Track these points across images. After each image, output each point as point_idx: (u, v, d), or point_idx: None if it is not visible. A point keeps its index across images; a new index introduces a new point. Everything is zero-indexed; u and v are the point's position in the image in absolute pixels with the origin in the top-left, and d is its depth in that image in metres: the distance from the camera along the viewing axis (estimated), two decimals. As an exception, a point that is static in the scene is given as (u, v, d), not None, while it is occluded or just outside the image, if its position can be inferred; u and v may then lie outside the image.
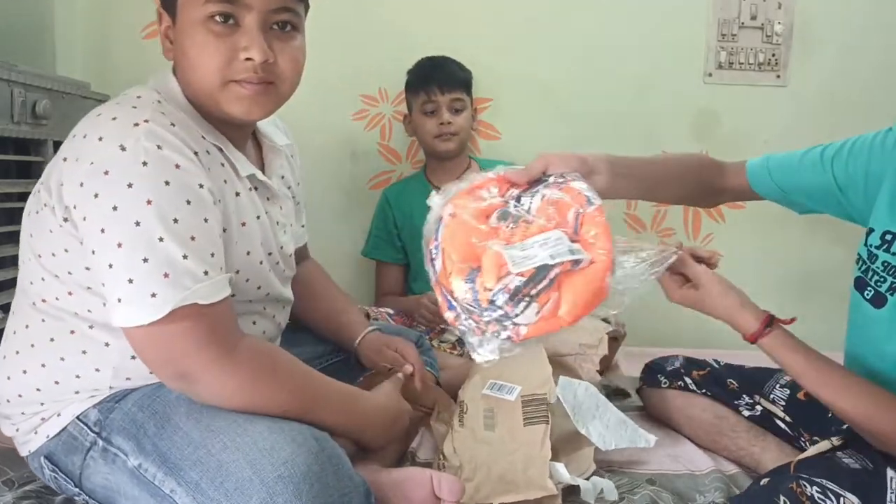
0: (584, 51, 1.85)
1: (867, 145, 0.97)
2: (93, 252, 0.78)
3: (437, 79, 1.65)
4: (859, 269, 0.95)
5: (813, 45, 1.86)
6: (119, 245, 0.76)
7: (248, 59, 0.83)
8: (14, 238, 1.31)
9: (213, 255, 0.80)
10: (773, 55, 1.86)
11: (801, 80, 1.86)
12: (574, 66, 1.86)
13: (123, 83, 0.92)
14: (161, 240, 0.76)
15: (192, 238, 0.78)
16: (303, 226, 1.16)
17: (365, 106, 1.86)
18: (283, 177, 1.04)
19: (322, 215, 1.86)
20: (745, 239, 1.90)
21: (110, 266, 0.77)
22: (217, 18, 0.83)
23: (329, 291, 1.18)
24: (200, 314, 0.78)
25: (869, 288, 0.92)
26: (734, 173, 1.09)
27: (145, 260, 0.76)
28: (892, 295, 0.89)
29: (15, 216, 1.31)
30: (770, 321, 0.92)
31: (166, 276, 0.76)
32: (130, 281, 0.76)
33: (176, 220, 0.77)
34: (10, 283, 1.29)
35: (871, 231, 0.94)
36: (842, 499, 0.76)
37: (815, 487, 0.77)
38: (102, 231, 0.77)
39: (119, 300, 0.77)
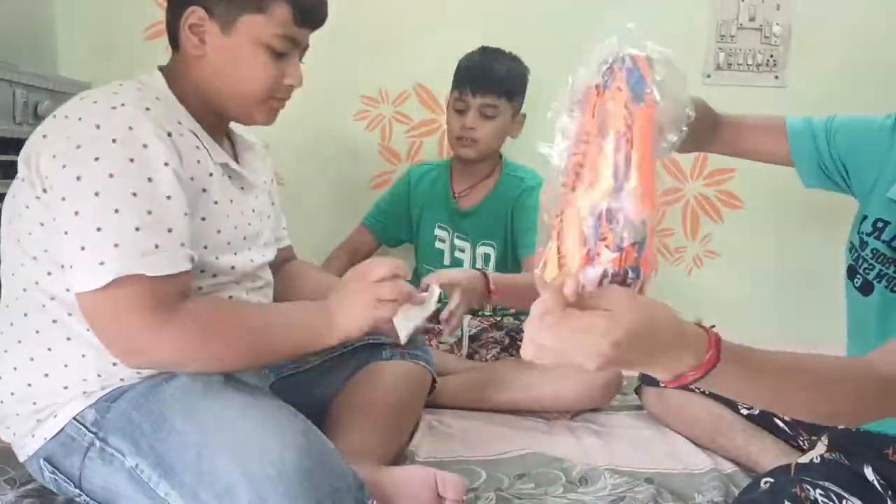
0: (583, 50, 1.85)
1: (875, 128, 0.95)
2: (53, 219, 0.82)
3: (472, 78, 1.55)
4: (851, 257, 0.94)
5: (811, 46, 1.86)
6: (76, 213, 0.80)
7: (289, 84, 0.95)
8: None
9: (170, 230, 0.82)
10: (772, 56, 1.86)
11: (799, 81, 1.87)
12: (574, 65, 1.85)
13: (125, 84, 0.93)
14: (116, 211, 0.79)
15: (149, 212, 0.81)
16: (283, 228, 1.16)
17: (365, 107, 1.86)
18: (256, 171, 1.05)
19: (321, 215, 1.87)
20: (744, 238, 1.90)
21: (66, 233, 0.80)
22: (277, 48, 0.91)
23: (317, 276, 1.15)
24: (145, 285, 0.80)
25: (858, 276, 0.91)
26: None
27: (98, 229, 0.79)
28: (878, 283, 0.88)
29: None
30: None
31: (116, 245, 0.79)
32: (83, 248, 0.79)
33: (135, 194, 0.80)
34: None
35: (864, 218, 0.93)
36: (845, 501, 0.75)
37: (818, 490, 0.76)
38: (63, 199, 0.81)
39: (71, 266, 0.80)
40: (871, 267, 0.90)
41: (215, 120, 0.96)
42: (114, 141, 0.80)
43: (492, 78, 1.55)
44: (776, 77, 1.87)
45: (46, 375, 0.87)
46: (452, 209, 1.67)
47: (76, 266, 0.80)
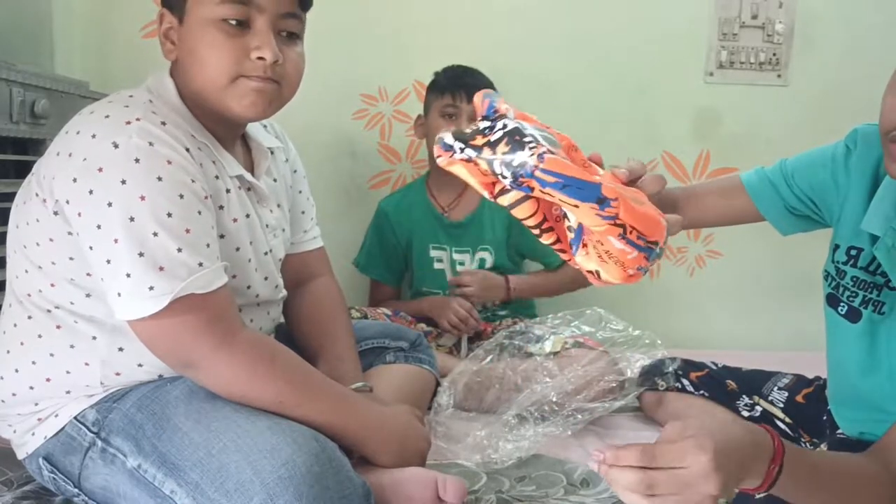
0: (584, 49, 1.85)
1: (828, 158, 0.95)
2: (90, 248, 0.80)
3: (467, 86, 1.57)
4: (829, 285, 0.95)
5: (814, 44, 1.85)
6: (116, 241, 0.78)
7: (259, 58, 0.85)
8: (13, 238, 1.31)
9: (208, 245, 0.82)
10: (774, 54, 1.85)
11: (802, 79, 1.86)
12: (575, 65, 1.85)
13: (122, 83, 0.92)
14: (155, 234, 0.78)
15: (187, 231, 0.80)
16: (305, 231, 1.15)
17: (364, 105, 1.85)
18: (275, 180, 1.04)
19: (321, 215, 1.85)
20: (746, 239, 1.90)
21: (108, 261, 0.79)
22: (230, 22, 0.85)
23: (334, 328, 1.09)
24: (199, 304, 0.80)
25: (842, 304, 0.92)
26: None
27: (141, 254, 0.77)
28: (865, 309, 0.89)
29: (14, 216, 1.31)
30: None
31: (161, 269, 0.78)
32: (128, 275, 0.78)
33: (170, 214, 0.79)
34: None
35: (836, 247, 0.94)
36: None
37: None
38: (99, 227, 0.78)
39: (119, 294, 0.79)
40: (854, 294, 0.91)
41: (224, 126, 0.93)
42: (137, 160, 0.78)
43: (482, 87, 1.59)
44: (778, 76, 1.86)
45: (48, 380, 0.87)
46: (445, 225, 1.67)
47: (124, 294, 0.78)
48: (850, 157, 0.92)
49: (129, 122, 0.80)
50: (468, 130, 0.58)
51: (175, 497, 0.78)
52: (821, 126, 1.76)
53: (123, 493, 0.83)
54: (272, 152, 1.04)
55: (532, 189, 0.55)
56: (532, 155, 0.54)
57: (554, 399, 1.24)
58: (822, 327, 0.99)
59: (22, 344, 0.88)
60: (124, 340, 0.85)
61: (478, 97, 0.62)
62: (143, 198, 0.78)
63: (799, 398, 1.09)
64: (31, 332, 0.88)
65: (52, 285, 0.86)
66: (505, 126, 0.56)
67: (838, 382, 0.98)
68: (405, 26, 1.82)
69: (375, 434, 0.90)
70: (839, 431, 0.97)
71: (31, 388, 0.88)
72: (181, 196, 0.80)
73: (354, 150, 1.87)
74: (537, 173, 0.54)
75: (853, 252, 0.91)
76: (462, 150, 0.58)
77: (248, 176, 0.94)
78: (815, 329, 1.02)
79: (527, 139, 0.55)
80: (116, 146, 0.79)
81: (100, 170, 0.78)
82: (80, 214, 0.80)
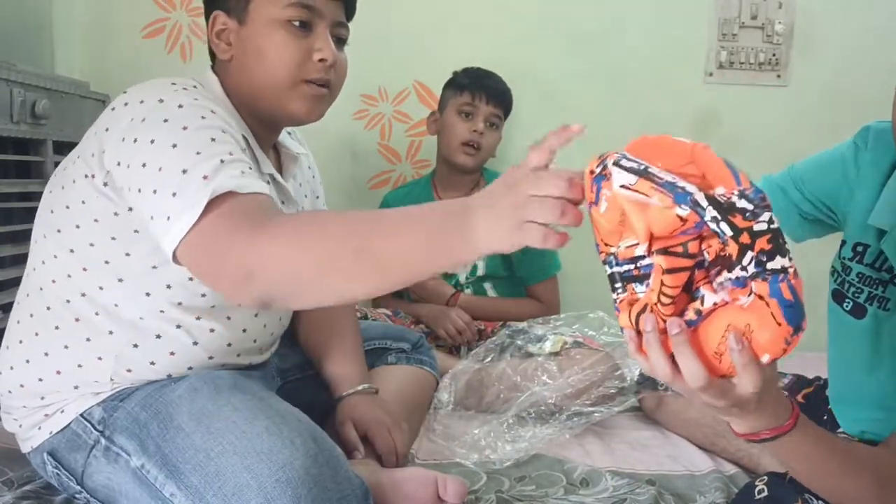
0: (584, 50, 1.85)
1: (838, 159, 0.95)
2: (139, 190, 0.78)
3: (487, 87, 1.60)
4: (835, 281, 0.95)
5: (814, 44, 1.86)
6: (160, 169, 0.77)
7: (321, 59, 0.90)
8: (13, 238, 1.31)
9: (250, 167, 0.80)
10: (774, 55, 1.86)
11: (801, 79, 1.86)
12: (574, 66, 1.85)
13: (122, 83, 0.92)
14: (199, 153, 0.77)
15: (230, 153, 0.78)
16: None
17: (365, 105, 1.86)
18: (300, 185, 1.06)
19: (322, 215, 1.86)
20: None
21: (155, 192, 0.76)
22: (295, 23, 0.89)
23: (341, 329, 1.08)
24: (237, 201, 0.74)
25: (847, 300, 0.92)
26: None
27: (184, 171, 0.75)
28: (870, 305, 0.89)
29: (14, 216, 1.31)
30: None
31: (205, 178, 0.75)
32: (174, 195, 0.75)
33: (213, 140, 0.78)
34: (10, 283, 1.29)
35: (843, 243, 0.94)
36: None
37: (821, 502, 0.76)
38: (144, 165, 0.78)
39: (168, 218, 0.75)
40: (859, 290, 0.90)
41: (263, 130, 0.95)
42: (180, 106, 0.80)
43: (503, 92, 1.62)
44: (778, 76, 1.87)
45: (58, 373, 0.87)
46: None
47: (174, 214, 0.74)
48: (861, 154, 0.92)
49: (176, 91, 0.82)
50: (722, 200, 0.52)
51: (174, 500, 0.78)
52: (820, 126, 1.78)
53: (125, 493, 0.83)
54: (298, 158, 1.05)
55: (748, 291, 0.54)
56: (790, 267, 0.53)
57: (553, 402, 1.24)
58: (822, 328, 0.99)
59: (36, 334, 0.88)
60: (140, 337, 0.86)
61: (727, 175, 0.53)
62: (185, 128, 0.78)
63: (799, 398, 1.09)
64: (48, 322, 0.88)
65: (84, 269, 0.86)
66: (772, 222, 0.53)
67: (841, 380, 0.98)
68: (405, 27, 1.83)
69: (467, 241, 0.62)
70: (840, 431, 0.97)
71: (40, 379, 0.88)
72: (223, 131, 0.80)
73: (355, 150, 1.87)
74: (783, 285, 0.54)
75: (859, 248, 0.91)
76: (716, 220, 0.52)
77: (278, 177, 0.96)
78: (814, 329, 1.02)
79: (786, 245, 0.54)
80: (162, 101, 0.81)
81: (143, 120, 0.80)
82: (128, 166, 0.79)
